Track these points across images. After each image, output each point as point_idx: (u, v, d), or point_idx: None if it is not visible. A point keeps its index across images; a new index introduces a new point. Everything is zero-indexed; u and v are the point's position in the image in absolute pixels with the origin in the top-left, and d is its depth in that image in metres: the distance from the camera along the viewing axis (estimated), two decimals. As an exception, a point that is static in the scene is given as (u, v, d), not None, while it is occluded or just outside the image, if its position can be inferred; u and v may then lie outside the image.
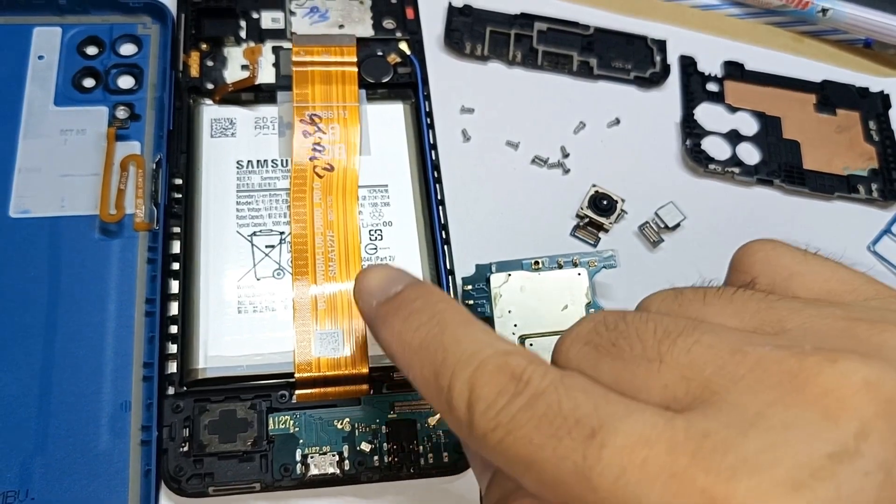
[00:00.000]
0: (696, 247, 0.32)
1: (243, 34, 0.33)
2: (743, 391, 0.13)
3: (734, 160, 0.34)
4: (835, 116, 0.36)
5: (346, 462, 0.26)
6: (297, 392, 0.27)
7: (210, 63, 0.32)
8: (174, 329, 0.27)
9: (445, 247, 0.30)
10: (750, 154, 0.35)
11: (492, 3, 0.36)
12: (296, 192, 0.30)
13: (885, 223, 0.34)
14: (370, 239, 0.29)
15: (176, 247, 0.29)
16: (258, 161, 0.30)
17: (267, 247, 0.29)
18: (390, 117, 0.32)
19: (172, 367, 0.27)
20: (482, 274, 0.29)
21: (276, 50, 0.33)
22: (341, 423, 0.26)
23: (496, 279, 0.29)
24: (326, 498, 0.26)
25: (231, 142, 0.31)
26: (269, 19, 0.34)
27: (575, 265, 0.29)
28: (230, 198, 0.29)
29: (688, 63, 0.37)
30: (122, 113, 0.31)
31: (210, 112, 0.31)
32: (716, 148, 0.35)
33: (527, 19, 0.36)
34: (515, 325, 0.28)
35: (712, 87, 0.36)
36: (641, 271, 0.32)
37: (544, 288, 0.29)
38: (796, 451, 0.11)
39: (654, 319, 0.14)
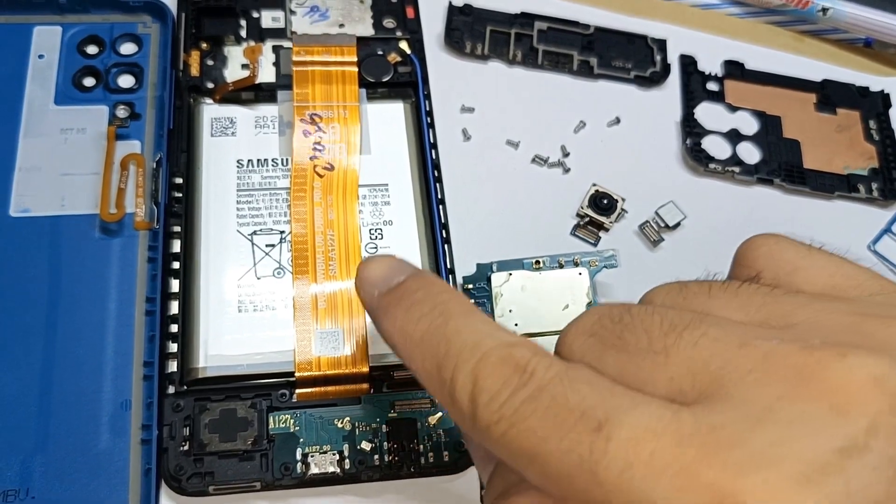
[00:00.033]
0: (697, 246, 0.32)
1: (243, 33, 0.33)
2: (751, 385, 0.12)
3: (734, 159, 0.34)
4: (835, 116, 0.36)
5: (347, 461, 0.26)
6: (298, 391, 0.27)
7: (210, 62, 0.32)
8: (174, 328, 0.27)
9: (446, 246, 0.30)
10: (750, 153, 0.35)
11: (492, 2, 0.36)
12: (296, 192, 0.30)
13: (886, 222, 0.34)
14: (370, 238, 0.29)
15: (176, 246, 0.29)
16: (258, 160, 0.30)
17: (267, 246, 0.29)
18: (390, 116, 0.32)
19: (173, 366, 0.27)
20: (483, 273, 0.29)
21: (276, 49, 0.33)
22: (342, 422, 0.26)
23: (497, 278, 0.29)
24: (327, 497, 0.26)
25: (231, 141, 0.31)
26: (269, 18, 0.34)
27: (576, 265, 0.29)
28: (230, 197, 0.29)
29: (688, 62, 0.37)
30: (122, 112, 0.31)
31: (210, 111, 0.31)
32: (716, 147, 0.35)
33: (527, 18, 0.36)
34: (516, 325, 0.28)
35: (712, 86, 0.36)
36: (642, 270, 0.31)
37: (545, 287, 0.29)
38: (805, 445, 0.11)
39: (660, 312, 0.14)
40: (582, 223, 0.32)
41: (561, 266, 0.29)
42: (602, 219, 0.32)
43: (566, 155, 0.34)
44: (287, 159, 0.30)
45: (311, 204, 0.29)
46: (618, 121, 0.35)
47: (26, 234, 0.28)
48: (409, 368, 0.17)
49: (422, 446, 0.26)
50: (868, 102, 0.37)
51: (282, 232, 0.29)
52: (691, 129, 0.35)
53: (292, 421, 0.26)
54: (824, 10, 0.37)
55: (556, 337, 0.16)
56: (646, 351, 0.14)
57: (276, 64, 0.33)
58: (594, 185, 0.32)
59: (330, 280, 0.28)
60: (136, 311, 0.28)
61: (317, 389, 0.27)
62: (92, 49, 0.32)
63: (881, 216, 0.35)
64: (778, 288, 0.15)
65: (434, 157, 0.32)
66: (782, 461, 0.11)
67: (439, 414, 0.27)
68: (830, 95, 0.37)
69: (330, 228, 0.29)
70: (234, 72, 0.32)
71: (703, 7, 0.39)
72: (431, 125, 0.32)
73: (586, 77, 0.36)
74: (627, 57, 0.36)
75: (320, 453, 0.26)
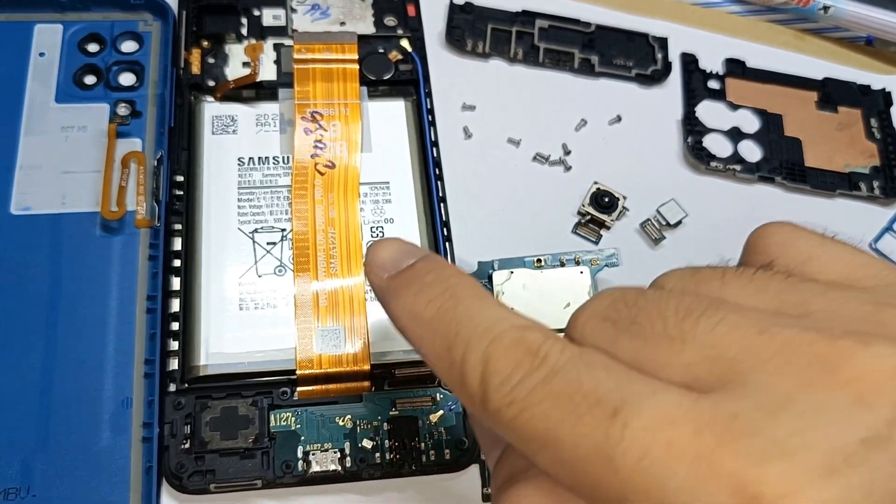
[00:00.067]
0: (698, 244, 0.32)
1: (244, 31, 0.33)
2: (771, 373, 0.12)
3: (735, 157, 0.34)
4: (836, 114, 0.36)
5: (348, 459, 0.26)
6: (299, 389, 0.26)
7: (211, 60, 0.32)
8: (175, 326, 0.27)
9: (447, 244, 0.30)
10: (751, 151, 0.35)
11: (493, 0, 0.36)
12: (297, 189, 0.29)
13: (887, 221, 0.34)
14: (372, 236, 0.29)
15: (177, 244, 0.29)
16: (259, 158, 0.30)
17: (268, 244, 0.29)
18: (391, 114, 0.32)
19: (174, 364, 0.27)
20: (484, 271, 0.29)
21: (277, 47, 0.33)
22: (343, 420, 0.26)
23: (498, 276, 0.29)
24: (328, 495, 0.26)
25: (232, 139, 0.31)
26: (270, 16, 0.34)
27: (577, 263, 0.29)
28: (231, 195, 0.29)
29: (689, 60, 0.37)
30: (123, 110, 0.31)
31: (211, 109, 0.31)
32: (717, 145, 0.35)
33: (528, 16, 0.36)
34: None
35: (714, 84, 0.36)
36: (643, 269, 0.31)
37: (546, 286, 0.29)
38: (828, 435, 0.11)
39: (676, 297, 0.14)
40: (583, 221, 0.32)
41: (562, 264, 0.29)
42: (603, 217, 0.32)
43: (567, 153, 0.34)
44: (288, 157, 0.30)
45: (312, 202, 0.29)
46: (619, 119, 0.35)
47: (27, 232, 0.28)
48: (418, 351, 0.17)
49: (423, 444, 0.26)
50: (869, 100, 0.37)
51: (283, 230, 0.29)
52: (692, 128, 0.35)
53: (293, 419, 0.26)
54: (825, 8, 0.37)
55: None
56: (661, 336, 0.13)
57: (278, 62, 0.33)
58: (595, 183, 0.32)
59: (331, 278, 0.28)
60: (136, 309, 0.28)
61: (318, 387, 0.27)
62: (93, 47, 0.32)
63: (882, 214, 0.35)
64: (793, 276, 0.15)
65: (435, 155, 0.32)
66: (804, 451, 0.11)
67: (441, 412, 0.27)
68: (831, 93, 0.37)
69: (331, 226, 0.29)
70: (235, 70, 0.32)
71: (704, 5, 0.39)
72: (432, 123, 0.32)
73: (587, 75, 0.36)
74: (628, 55, 0.36)
75: (321, 451, 0.26)
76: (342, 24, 0.34)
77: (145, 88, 0.31)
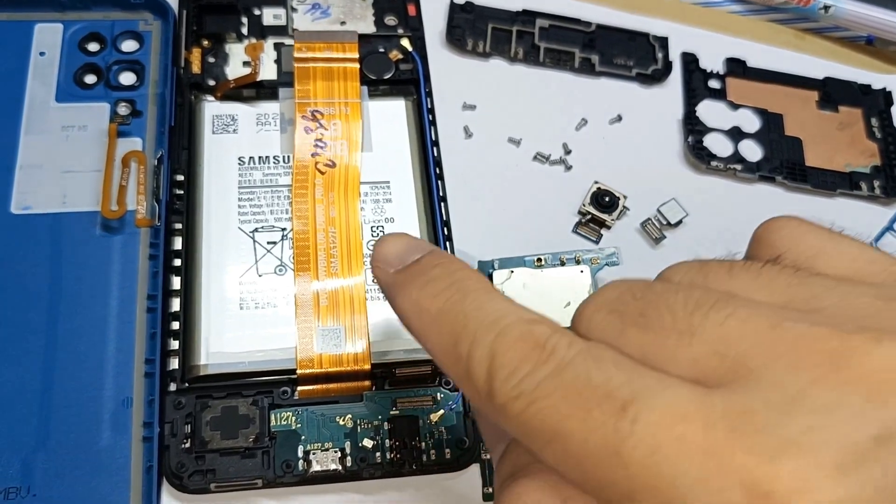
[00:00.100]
0: (698, 244, 0.32)
1: (245, 30, 0.33)
2: (783, 369, 0.12)
3: (736, 157, 0.34)
4: (837, 113, 0.36)
5: (348, 458, 0.26)
6: (299, 388, 0.26)
7: (211, 59, 0.32)
8: (176, 325, 0.27)
9: (447, 243, 0.30)
10: (752, 151, 0.35)
11: (494, 0, 0.36)
12: (297, 189, 0.29)
13: (888, 220, 0.34)
14: (372, 235, 0.29)
15: (177, 243, 0.29)
16: (260, 157, 0.30)
17: (269, 243, 0.29)
18: (392, 114, 0.32)
19: (174, 364, 0.27)
20: (485, 270, 0.29)
21: (277, 46, 0.33)
22: (343, 420, 0.26)
23: (499, 276, 0.29)
24: (328, 494, 0.26)
25: (233, 138, 0.31)
26: (270, 16, 0.34)
27: (577, 262, 0.29)
28: (232, 194, 0.29)
29: (690, 60, 0.37)
30: (123, 109, 0.31)
31: (212, 108, 0.31)
32: (718, 145, 0.35)
33: (528, 16, 0.36)
34: (517, 322, 0.28)
35: (714, 83, 0.36)
36: (644, 268, 0.31)
37: (547, 285, 0.29)
38: (841, 432, 0.11)
39: (684, 290, 0.14)
40: (583, 221, 0.32)
41: (562, 264, 0.29)
42: (604, 216, 0.32)
43: (568, 152, 0.34)
44: (288, 156, 0.30)
45: (312, 201, 0.29)
46: (619, 118, 0.35)
47: (27, 232, 0.28)
48: (424, 346, 0.16)
49: (423, 444, 0.26)
50: (870, 100, 0.37)
51: (283, 229, 0.29)
52: (693, 127, 0.35)
53: (294, 418, 0.26)
54: (826, 7, 0.37)
55: None
56: (670, 330, 0.13)
57: (278, 61, 0.33)
58: (596, 182, 0.32)
59: (331, 277, 0.28)
60: (137, 309, 0.28)
61: (318, 387, 0.27)
62: (93, 46, 0.32)
63: (883, 214, 0.35)
64: (801, 270, 0.14)
65: (435, 154, 0.32)
66: (816, 448, 0.11)
67: (441, 411, 0.27)
68: (832, 93, 0.37)
69: (331, 226, 0.29)
70: (235, 69, 0.32)
71: (704, 5, 0.39)
72: (433, 122, 0.32)
73: (588, 75, 0.36)
74: (629, 54, 0.36)
75: (322, 451, 0.26)
76: (343, 23, 0.34)
77: (146, 88, 0.31)
